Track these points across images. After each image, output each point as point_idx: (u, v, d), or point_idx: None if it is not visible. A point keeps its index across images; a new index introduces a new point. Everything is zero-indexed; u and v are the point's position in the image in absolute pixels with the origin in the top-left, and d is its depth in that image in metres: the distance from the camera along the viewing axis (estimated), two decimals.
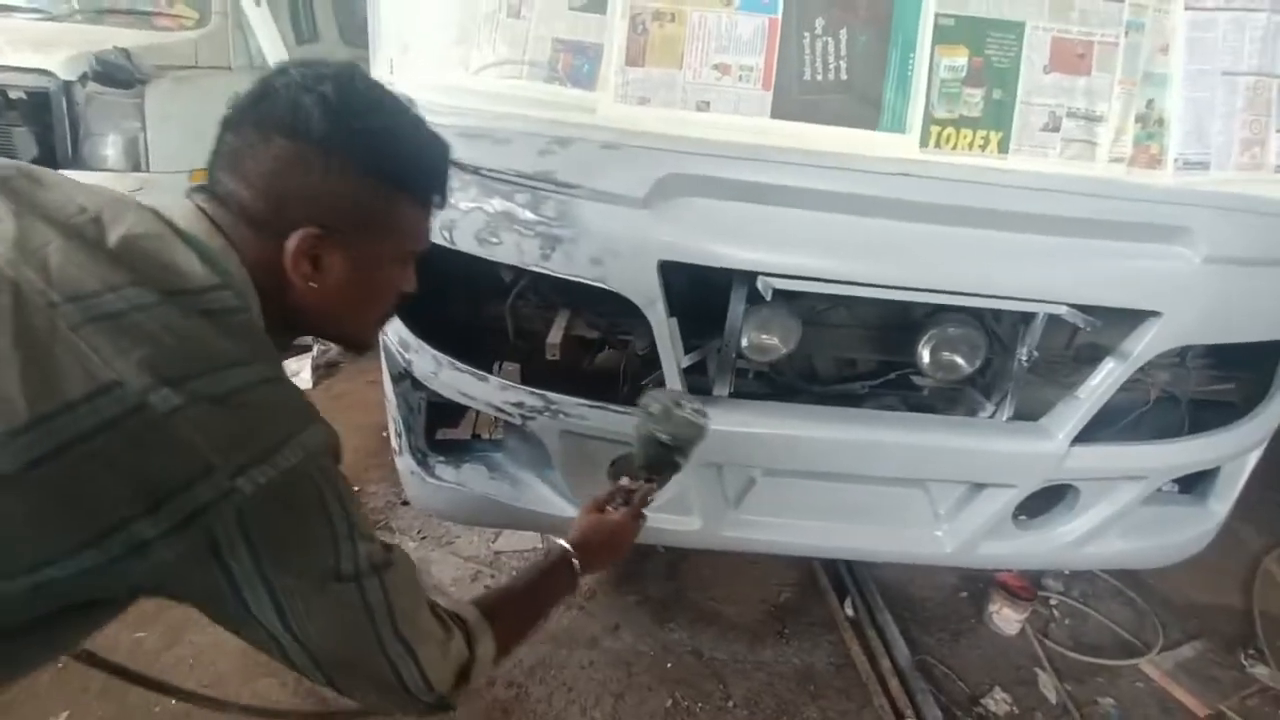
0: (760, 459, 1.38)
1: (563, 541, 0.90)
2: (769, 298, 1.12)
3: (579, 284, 1.18)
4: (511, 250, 1.17)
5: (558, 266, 1.17)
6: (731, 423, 1.31)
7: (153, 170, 2.86)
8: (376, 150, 0.63)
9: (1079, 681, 1.81)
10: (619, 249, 1.14)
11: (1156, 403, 1.54)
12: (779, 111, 1.11)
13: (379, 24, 1.27)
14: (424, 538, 2.04)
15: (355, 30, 4.46)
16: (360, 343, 0.77)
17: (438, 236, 1.21)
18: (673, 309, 1.25)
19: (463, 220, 1.18)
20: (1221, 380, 1.57)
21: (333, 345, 3.27)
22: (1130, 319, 1.24)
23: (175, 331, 0.49)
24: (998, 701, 1.71)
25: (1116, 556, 1.56)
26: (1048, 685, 1.78)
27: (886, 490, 1.43)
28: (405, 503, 2.17)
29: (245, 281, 0.59)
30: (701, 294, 1.30)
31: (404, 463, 1.49)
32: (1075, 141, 1.13)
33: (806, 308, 1.38)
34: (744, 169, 1.11)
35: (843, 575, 2.03)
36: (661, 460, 1.02)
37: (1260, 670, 1.90)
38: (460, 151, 1.14)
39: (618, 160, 1.11)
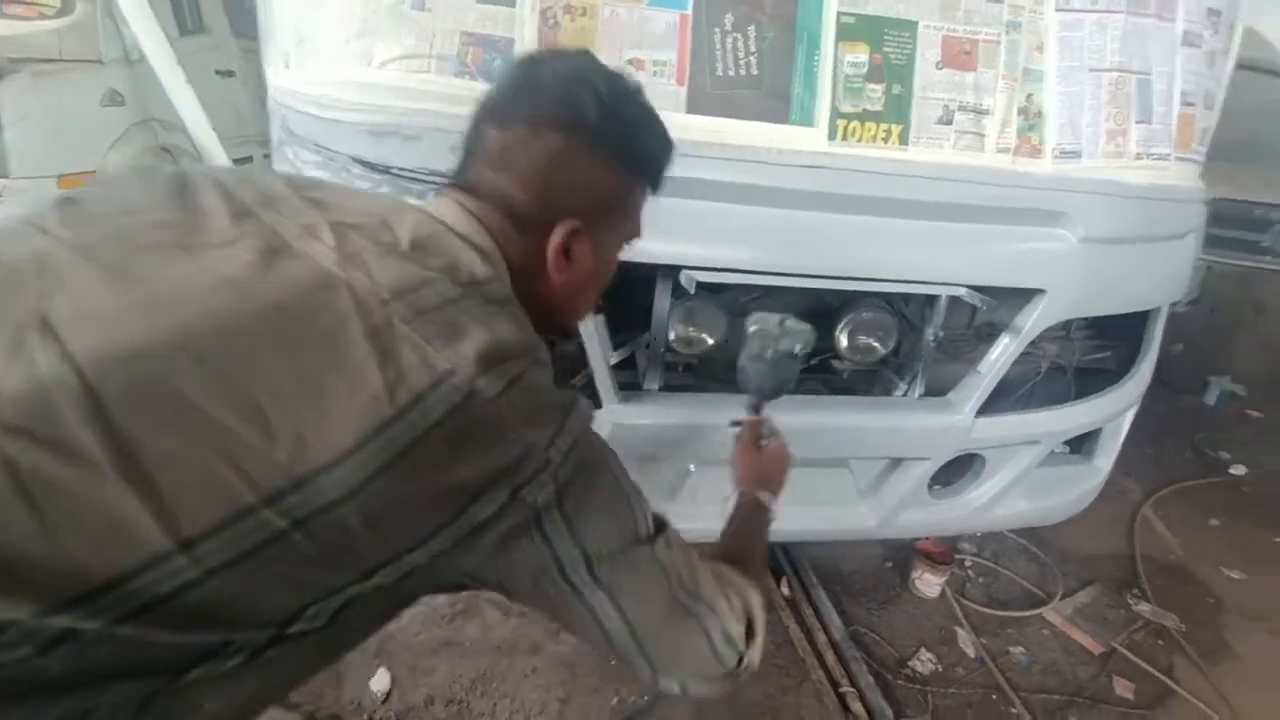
0: (695, 450, 1.40)
1: (740, 489, 0.92)
2: (693, 290, 1.14)
3: None
4: None
5: None
6: (665, 416, 1.33)
7: (13, 175, 2.56)
8: (634, 141, 0.64)
9: (993, 634, 1.96)
10: None
11: (1047, 373, 1.69)
12: (694, 106, 1.12)
13: (271, 15, 1.19)
14: None
15: (246, 22, 4.17)
16: (573, 331, 0.78)
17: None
18: (599, 305, 1.25)
19: None
20: (1100, 349, 1.73)
21: None
22: (1020, 297, 1.34)
23: (481, 320, 0.50)
24: (923, 661, 1.82)
25: (1019, 516, 1.69)
26: (966, 641, 1.91)
27: (814, 472, 1.49)
28: None
29: (506, 274, 0.59)
30: (627, 289, 1.30)
31: None
32: (966, 133, 1.21)
33: (731, 299, 1.41)
34: None
35: (779, 558, 2.11)
36: (787, 375, 1.03)
37: (1143, 607, 2.12)
38: (367, 150, 1.11)
39: None
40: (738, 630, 0.62)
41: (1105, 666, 1.88)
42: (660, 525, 0.59)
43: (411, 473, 0.45)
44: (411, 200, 0.59)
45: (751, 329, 1.02)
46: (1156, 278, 1.46)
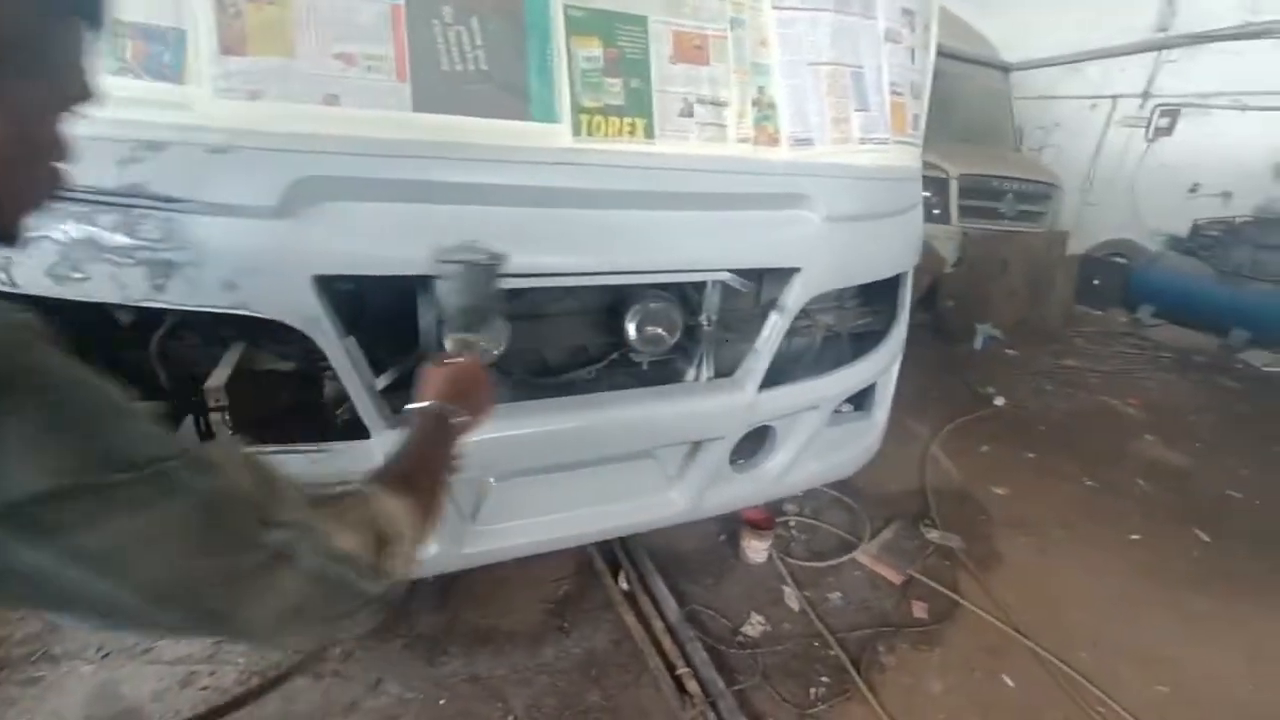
0: (489, 466, 1.33)
1: (419, 402, 0.80)
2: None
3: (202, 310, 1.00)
4: (107, 285, 0.94)
5: (179, 297, 0.97)
6: None
7: None
8: None
9: (815, 586, 2.12)
10: (259, 267, 0.99)
11: (825, 341, 1.85)
12: (421, 104, 1.04)
13: None
14: (105, 655, 1.61)
15: None
16: (7, 231, 0.51)
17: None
18: (355, 326, 1.13)
19: (22, 255, 0.91)
20: (867, 315, 1.93)
21: None
22: (781, 276, 1.44)
23: None
24: (754, 625, 1.92)
25: (816, 475, 1.84)
26: (791, 598, 2.05)
27: (620, 466, 1.49)
28: None
29: None
30: (390, 304, 1.19)
31: None
32: (708, 125, 1.26)
33: (512, 304, 1.35)
34: (392, 166, 1.03)
35: (615, 552, 2.11)
36: (483, 306, 0.96)
37: (933, 534, 2.42)
38: None
39: (233, 165, 0.95)
40: (352, 543, 0.54)
41: (905, 594, 2.12)
42: (187, 449, 0.46)
43: None
44: None
45: (439, 271, 0.96)
46: (893, 248, 1.64)
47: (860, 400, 1.97)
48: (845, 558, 2.25)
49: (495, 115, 1.09)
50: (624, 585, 1.99)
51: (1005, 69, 5.58)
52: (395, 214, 1.05)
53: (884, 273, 1.65)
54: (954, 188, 4.47)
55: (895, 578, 2.17)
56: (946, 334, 4.65)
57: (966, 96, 4.96)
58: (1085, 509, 2.69)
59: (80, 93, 0.50)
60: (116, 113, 0.90)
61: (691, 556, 2.20)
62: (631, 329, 1.43)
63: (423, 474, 0.72)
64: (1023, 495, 2.78)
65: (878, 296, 1.88)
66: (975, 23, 5.44)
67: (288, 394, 1.33)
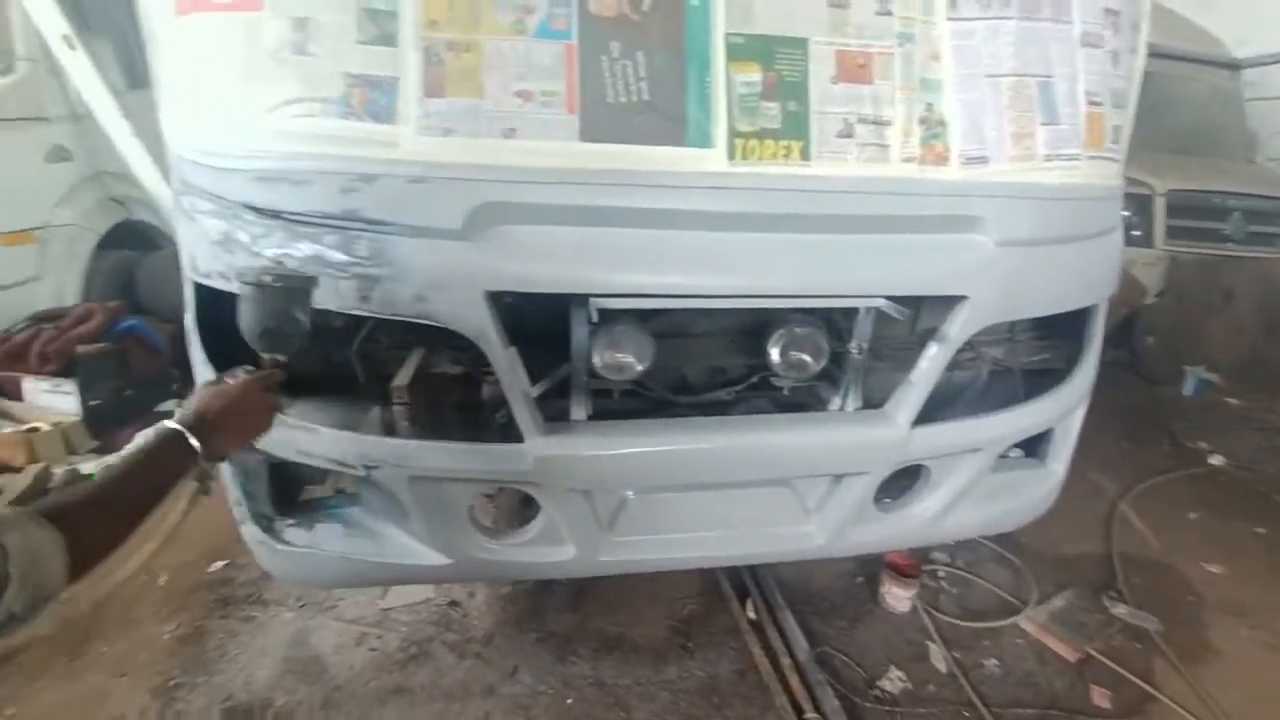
0: (627, 479, 1.37)
1: (170, 422, 0.80)
2: (595, 319, 1.12)
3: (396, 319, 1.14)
4: (328, 295, 1.11)
5: (379, 307, 1.12)
6: (594, 447, 1.30)
7: None
8: None
9: (966, 648, 1.91)
10: (443, 282, 1.11)
11: (993, 376, 1.67)
12: (588, 134, 1.11)
13: (160, 69, 1.19)
14: (303, 605, 1.89)
15: None
16: None
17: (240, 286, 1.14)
18: (516, 338, 1.23)
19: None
20: (1045, 350, 1.71)
21: None
22: (944, 304, 1.33)
23: None
24: (893, 681, 1.77)
25: (974, 525, 1.66)
26: (938, 656, 1.86)
27: (755, 492, 1.46)
28: None
29: None
30: (546, 320, 1.28)
31: (249, 532, 1.37)
32: (869, 145, 1.21)
33: (658, 322, 1.39)
34: (559, 193, 1.11)
35: (744, 579, 2.06)
36: (284, 334, 0.95)
37: (1120, 609, 2.07)
38: (257, 196, 1.10)
39: (428, 193, 1.08)
40: None
41: (1082, 674, 1.83)
42: None
43: None
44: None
45: (246, 282, 0.95)
46: (1082, 277, 1.44)
47: (1034, 446, 1.75)
48: (1006, 621, 2.00)
49: (654, 142, 1.14)
50: (751, 614, 1.94)
51: (1234, 66, 4.71)
52: (558, 236, 1.13)
53: (1069, 304, 1.46)
54: (1159, 206, 3.83)
55: (1069, 654, 1.89)
56: (1145, 374, 3.99)
57: (1183, 100, 4.25)
58: None
59: None
60: (342, 150, 1.08)
61: (824, 594, 2.09)
62: (775, 353, 1.40)
63: (107, 504, 0.71)
64: (1246, 577, 2.28)
65: (1059, 329, 1.67)
66: (1197, 16, 4.66)
67: (455, 395, 1.48)
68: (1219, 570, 2.31)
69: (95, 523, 0.69)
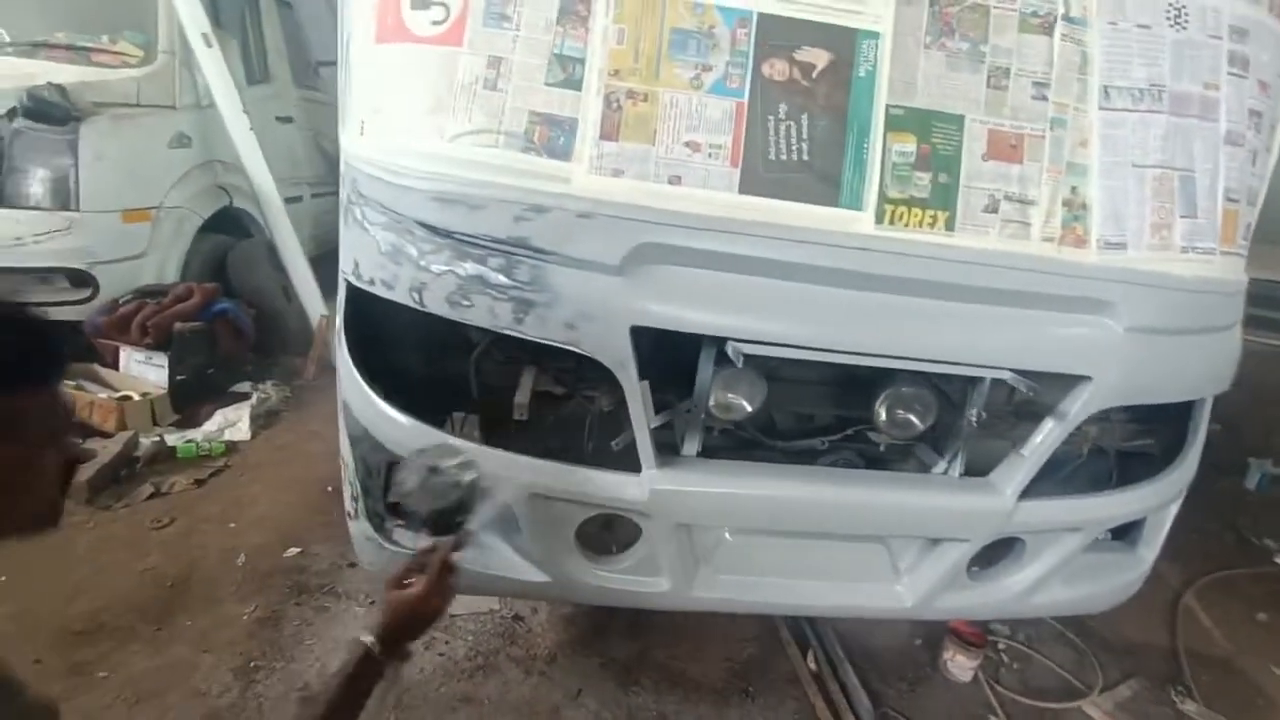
0: (728, 518, 1.39)
1: (362, 636, 0.88)
2: (740, 364, 1.16)
3: (543, 342, 1.19)
4: (484, 313, 1.16)
5: (531, 330, 1.17)
6: (703, 483, 1.32)
7: (82, 209, 2.71)
8: None
9: None
10: (593, 314, 1.16)
11: (1089, 455, 1.66)
12: (746, 187, 1.16)
13: (350, 84, 1.27)
14: (372, 602, 1.93)
15: (306, 73, 4.44)
16: (45, 525, 0.70)
17: (406, 298, 1.20)
18: (642, 371, 1.27)
19: (434, 283, 1.17)
20: (1142, 434, 1.70)
21: (271, 393, 3.12)
22: (1065, 382, 1.34)
23: None
24: None
25: (1061, 604, 1.64)
26: None
27: (849, 546, 1.47)
28: (352, 565, 2.06)
29: None
30: (664, 355, 1.32)
31: (359, 527, 1.42)
32: (1012, 222, 1.24)
33: (769, 366, 1.42)
34: (714, 240, 1.16)
35: (804, 629, 2.05)
36: (444, 520, 0.98)
37: (1190, 706, 2.00)
38: (432, 215, 1.16)
39: (592, 229, 1.14)
40: None
41: None
42: None
43: None
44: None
45: (399, 470, 0.99)
46: (1203, 369, 1.44)
47: (1121, 530, 1.73)
48: (1071, 704, 1.95)
49: (807, 200, 1.18)
50: (812, 666, 1.92)
51: None
52: (707, 280, 1.18)
53: (1186, 395, 1.46)
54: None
55: None
56: (1210, 464, 3.88)
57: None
58: None
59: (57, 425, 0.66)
60: (518, 181, 1.14)
61: (883, 654, 2.06)
62: (881, 410, 1.42)
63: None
64: None
65: (1155, 415, 1.66)
66: None
67: (568, 417, 1.52)
68: None
69: None
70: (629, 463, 1.32)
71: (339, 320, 1.35)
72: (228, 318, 2.98)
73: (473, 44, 1.13)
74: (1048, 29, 1.23)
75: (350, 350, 1.32)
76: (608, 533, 1.51)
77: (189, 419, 2.78)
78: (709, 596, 1.45)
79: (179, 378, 2.76)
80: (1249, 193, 1.40)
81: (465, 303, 1.17)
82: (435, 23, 1.15)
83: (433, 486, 0.97)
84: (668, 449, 1.36)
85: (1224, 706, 2.02)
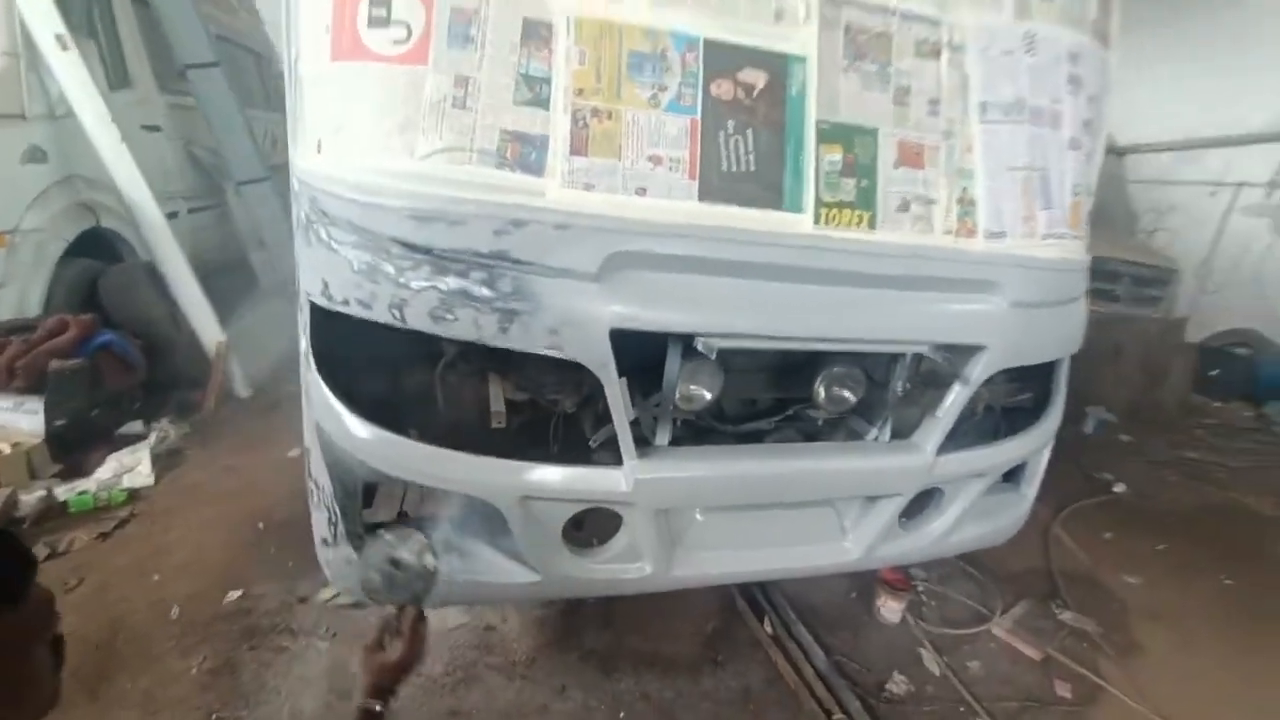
0: (702, 499, 1.51)
1: (362, 702, 1.04)
2: (713, 357, 1.28)
3: (505, 350, 1.25)
4: (468, 326, 1.20)
5: (515, 339, 1.22)
6: (676, 470, 1.43)
7: None
8: None
9: (952, 653, 2.16)
10: (575, 320, 1.23)
11: (983, 413, 1.96)
12: (704, 196, 1.29)
13: (302, 102, 1.25)
14: (334, 635, 1.86)
15: (172, 77, 4.03)
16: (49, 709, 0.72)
17: (385, 316, 1.21)
18: (621, 369, 1.35)
19: (415, 299, 1.19)
20: (1020, 391, 2.03)
21: (170, 430, 2.86)
22: (967, 352, 1.59)
23: None
24: (898, 683, 1.98)
25: (970, 540, 1.92)
26: (930, 661, 2.09)
27: (803, 512, 1.64)
28: (303, 600, 1.97)
29: None
30: (629, 356, 1.41)
31: (339, 553, 1.39)
32: (920, 219, 1.45)
33: (724, 357, 1.56)
34: (680, 245, 1.27)
35: (756, 596, 2.22)
36: (415, 588, 1.17)
37: (1066, 615, 2.40)
38: (411, 233, 1.18)
39: (570, 239, 1.21)
40: None
41: (1046, 671, 2.12)
42: None
43: None
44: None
45: (378, 539, 1.17)
46: (1064, 333, 1.76)
47: (1009, 474, 2.05)
48: (981, 628, 2.27)
49: (756, 206, 1.32)
50: (769, 629, 2.10)
51: (1119, 152, 5.60)
52: (674, 282, 1.29)
53: (1053, 355, 1.77)
54: None
55: (1034, 654, 2.18)
56: None
57: None
58: (1227, 608, 2.60)
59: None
60: (495, 196, 1.19)
61: (825, 609, 2.29)
62: (820, 389, 1.61)
63: None
64: (1156, 587, 2.70)
65: (1028, 375, 1.99)
66: None
67: (534, 421, 1.57)
68: (1135, 581, 2.73)
69: None
70: (608, 458, 1.41)
71: (304, 344, 1.31)
72: (112, 351, 2.68)
73: (438, 63, 1.16)
74: (936, 54, 1.46)
75: (322, 372, 1.29)
76: (578, 529, 1.58)
77: (75, 468, 2.48)
78: (687, 574, 1.56)
79: (57, 423, 2.46)
80: (1088, 186, 1.72)
81: (449, 317, 1.20)
82: (397, 42, 1.17)
83: (400, 581, 1.09)
84: (640, 442, 1.46)
85: (1091, 611, 2.44)
